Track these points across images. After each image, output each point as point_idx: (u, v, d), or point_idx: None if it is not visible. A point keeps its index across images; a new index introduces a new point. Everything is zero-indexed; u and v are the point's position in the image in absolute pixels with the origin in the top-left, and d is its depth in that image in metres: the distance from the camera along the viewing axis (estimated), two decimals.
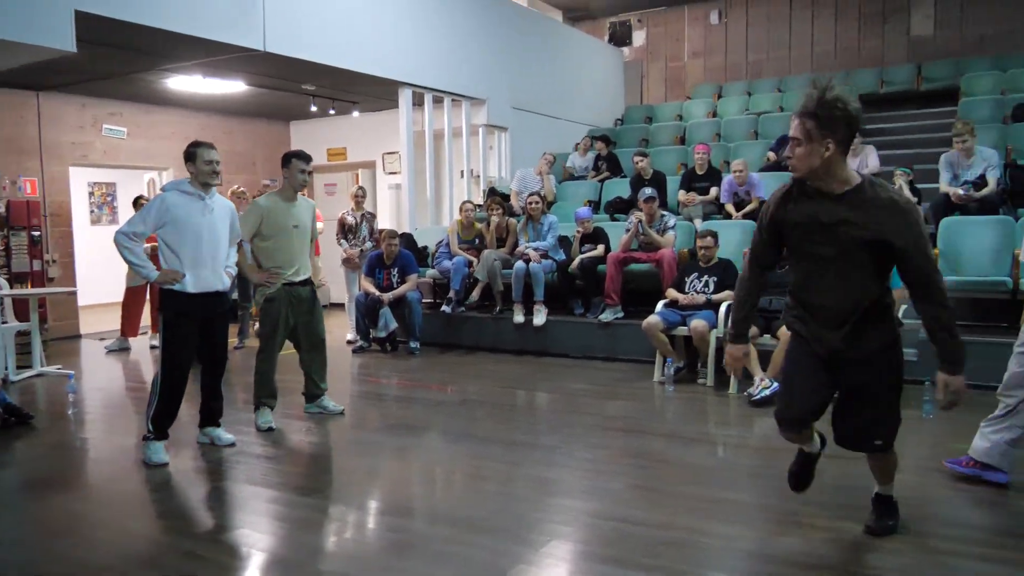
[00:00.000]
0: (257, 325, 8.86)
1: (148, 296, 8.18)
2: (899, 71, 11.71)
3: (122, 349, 8.12)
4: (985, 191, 6.64)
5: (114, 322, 8.59)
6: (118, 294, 8.41)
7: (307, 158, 4.98)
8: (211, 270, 4.31)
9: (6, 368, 6.48)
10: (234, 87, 9.23)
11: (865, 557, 2.87)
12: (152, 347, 8.10)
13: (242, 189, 8.49)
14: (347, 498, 3.75)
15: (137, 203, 8.10)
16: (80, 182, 11.84)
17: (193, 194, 4.28)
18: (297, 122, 12.40)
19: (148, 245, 4.37)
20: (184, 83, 8.86)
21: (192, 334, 4.27)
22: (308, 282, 5.07)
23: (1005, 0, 11.43)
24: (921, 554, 2.90)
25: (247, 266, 4.99)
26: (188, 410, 4.66)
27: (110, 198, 12.81)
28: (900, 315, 5.32)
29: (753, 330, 5.51)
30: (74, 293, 8.70)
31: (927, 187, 7.33)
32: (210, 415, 4.56)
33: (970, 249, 6.21)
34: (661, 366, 6.07)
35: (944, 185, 6.90)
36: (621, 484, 3.79)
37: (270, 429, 4.84)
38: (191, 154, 4.30)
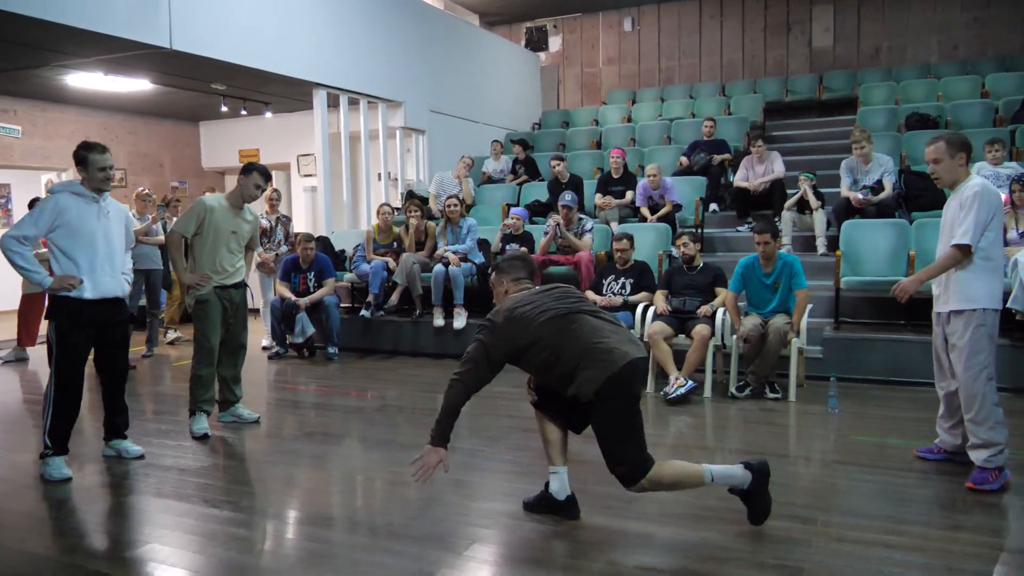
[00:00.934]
0: (168, 333, 8.62)
1: (46, 303, 7.77)
2: (802, 81, 12.24)
3: (19, 360, 7.69)
4: (882, 195, 7.01)
5: (10, 331, 8.13)
6: (13, 301, 7.95)
7: (268, 176, 4.93)
8: (110, 275, 4.13)
9: None
10: (139, 85, 8.88)
11: (775, 548, 2.98)
12: None
13: (147, 191, 8.16)
14: (263, 509, 3.65)
15: (33, 206, 7.69)
16: None
17: (87, 196, 4.07)
18: (207, 122, 12.04)
19: (40, 250, 4.15)
20: (85, 80, 8.48)
21: (85, 343, 4.09)
22: (241, 285, 4.96)
23: (896, 16, 12.11)
24: (828, 543, 3.02)
25: (180, 266, 4.85)
26: (93, 423, 4.46)
27: (4, 200, 12.12)
28: (806, 315, 5.57)
29: (668, 330, 5.65)
30: None
31: (830, 191, 7.68)
32: (115, 428, 4.37)
33: (869, 250, 6.53)
34: None
35: (845, 190, 7.25)
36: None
37: (206, 436, 4.70)
38: (82, 158, 4.06)
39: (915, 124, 9.06)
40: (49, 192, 4.13)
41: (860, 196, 7.02)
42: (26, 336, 7.78)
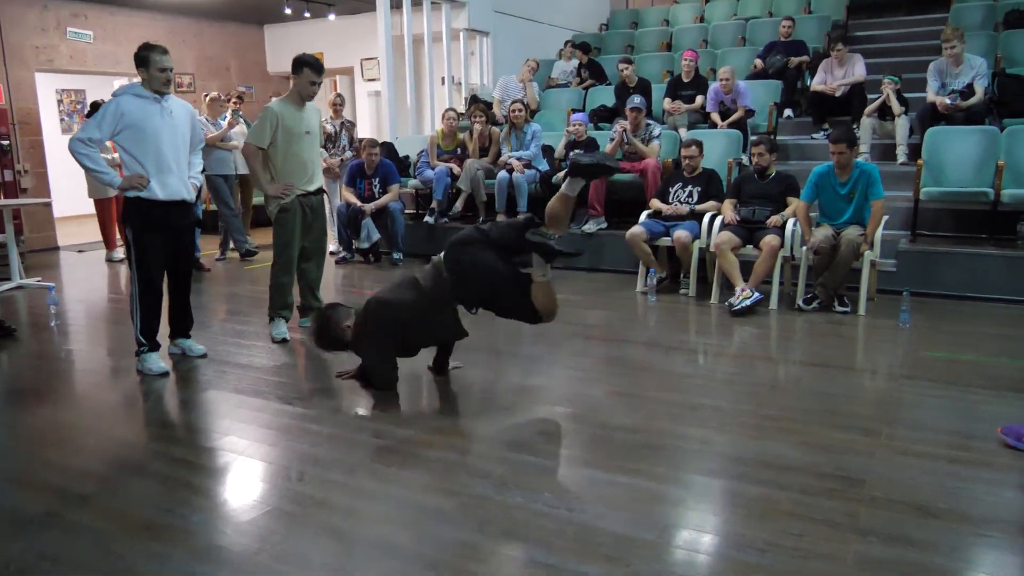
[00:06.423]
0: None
1: (116, 206, 8.00)
2: None
3: (123, 260, 8.03)
4: (972, 100, 6.58)
5: (92, 234, 8.48)
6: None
7: (319, 69, 4.68)
8: (177, 177, 4.16)
9: None
10: None
11: (836, 458, 2.97)
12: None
13: (219, 95, 8.23)
14: (333, 406, 3.80)
15: (97, 108, 7.86)
16: (48, 89, 11.46)
17: (148, 97, 4.07)
18: (271, 26, 11.98)
19: (110, 156, 4.22)
20: None
21: (160, 242, 4.17)
22: (320, 191, 4.98)
23: None
24: (892, 456, 3.00)
25: (262, 179, 4.76)
26: (164, 323, 4.67)
27: (80, 106, 12.42)
28: (881, 227, 5.36)
29: (735, 240, 5.54)
30: (49, 204, 8.54)
31: (914, 96, 7.26)
32: (180, 327, 4.54)
33: (953, 159, 6.20)
34: (644, 276, 6.11)
35: (931, 94, 6.83)
36: (602, 391, 3.87)
37: (284, 340, 4.84)
38: (143, 59, 4.02)
39: (1015, 22, 8.39)
40: (112, 95, 4.15)
41: (948, 101, 6.61)
42: (111, 240, 8.11)
